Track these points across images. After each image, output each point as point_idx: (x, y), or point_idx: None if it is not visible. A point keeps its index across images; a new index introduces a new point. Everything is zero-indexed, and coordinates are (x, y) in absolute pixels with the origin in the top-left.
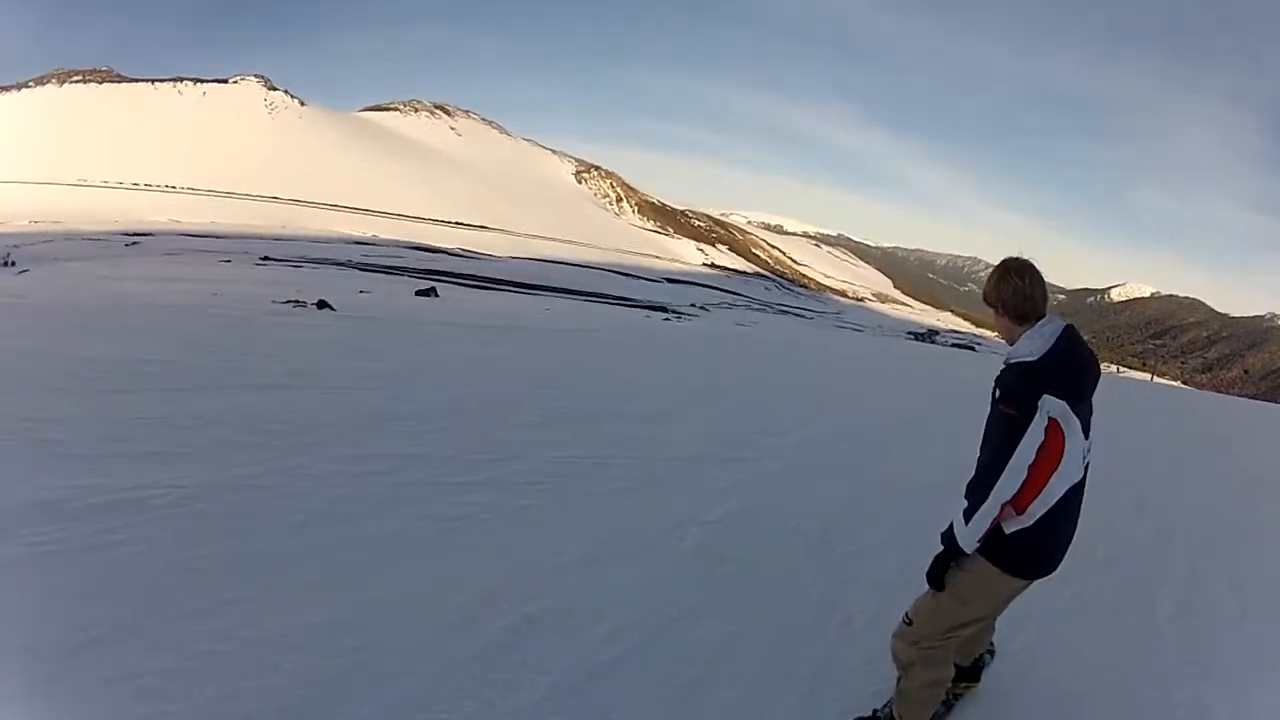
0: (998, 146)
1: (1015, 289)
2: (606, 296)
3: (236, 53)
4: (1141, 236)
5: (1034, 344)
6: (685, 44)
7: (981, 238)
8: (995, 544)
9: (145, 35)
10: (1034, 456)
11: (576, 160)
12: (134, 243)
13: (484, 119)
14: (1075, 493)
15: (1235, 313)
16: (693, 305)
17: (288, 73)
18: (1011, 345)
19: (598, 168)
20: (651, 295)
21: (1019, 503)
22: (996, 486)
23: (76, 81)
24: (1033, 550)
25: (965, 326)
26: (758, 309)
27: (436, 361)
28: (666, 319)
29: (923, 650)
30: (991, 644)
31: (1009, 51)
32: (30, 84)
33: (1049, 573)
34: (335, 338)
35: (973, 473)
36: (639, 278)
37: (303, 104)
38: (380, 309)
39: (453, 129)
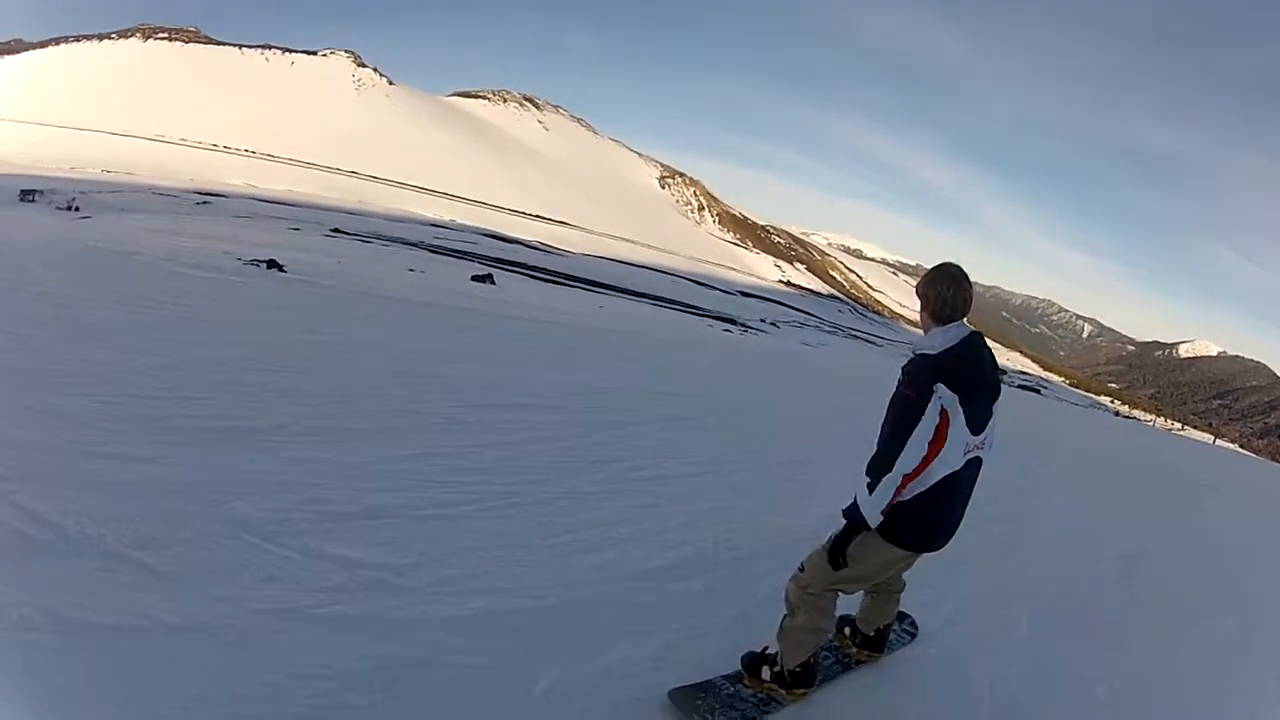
0: (1077, 192)
1: (939, 294)
2: (676, 303)
3: (328, 27)
4: (1211, 293)
5: (937, 340)
6: (778, 64)
7: (1057, 281)
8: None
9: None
10: (932, 434)
11: (661, 165)
12: (205, 202)
13: (572, 115)
14: (955, 481)
15: None
16: (762, 320)
17: (378, 51)
18: (920, 338)
19: (682, 174)
20: (723, 307)
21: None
22: (899, 459)
23: (162, 38)
24: (908, 522)
25: (1033, 369)
26: (828, 330)
27: (289, 336)
28: (726, 330)
29: (807, 596)
30: (913, 622)
31: (1094, 101)
32: (114, 36)
33: (927, 548)
34: (213, 292)
35: (873, 451)
36: (713, 288)
37: (391, 83)
38: (346, 278)
39: (540, 122)
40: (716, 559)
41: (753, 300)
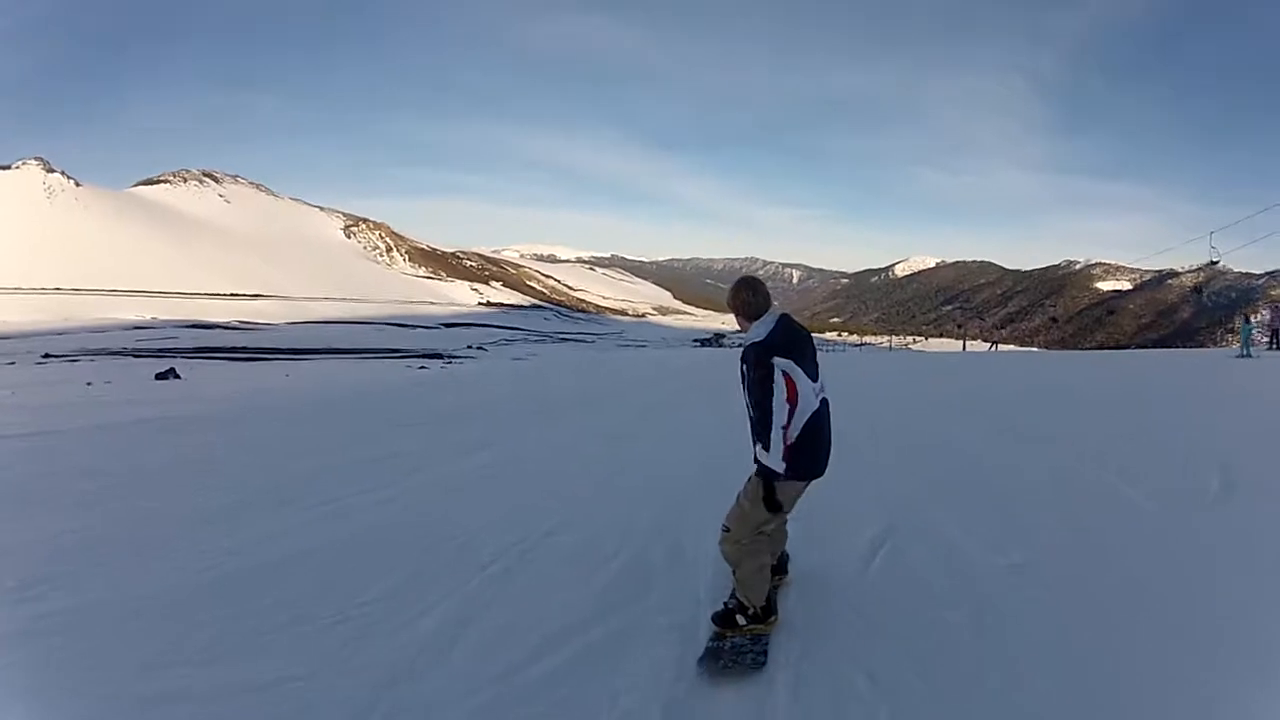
0: (761, 151)
1: (745, 300)
2: (381, 351)
3: (18, 137)
4: (922, 214)
5: (761, 330)
6: (440, 89)
7: (755, 238)
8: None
9: None
10: (785, 393)
11: (344, 215)
12: None
13: (250, 182)
14: (819, 418)
15: (1028, 267)
16: (469, 347)
17: (67, 153)
18: (747, 333)
19: (365, 220)
20: (428, 342)
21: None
22: (774, 419)
23: None
24: (800, 459)
25: None
26: (536, 340)
27: None
28: (423, 368)
29: (743, 546)
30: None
31: (763, 63)
32: None
33: (816, 474)
34: None
35: (750, 422)
36: (416, 326)
37: (78, 184)
38: None
39: (220, 195)
40: None
41: (457, 329)
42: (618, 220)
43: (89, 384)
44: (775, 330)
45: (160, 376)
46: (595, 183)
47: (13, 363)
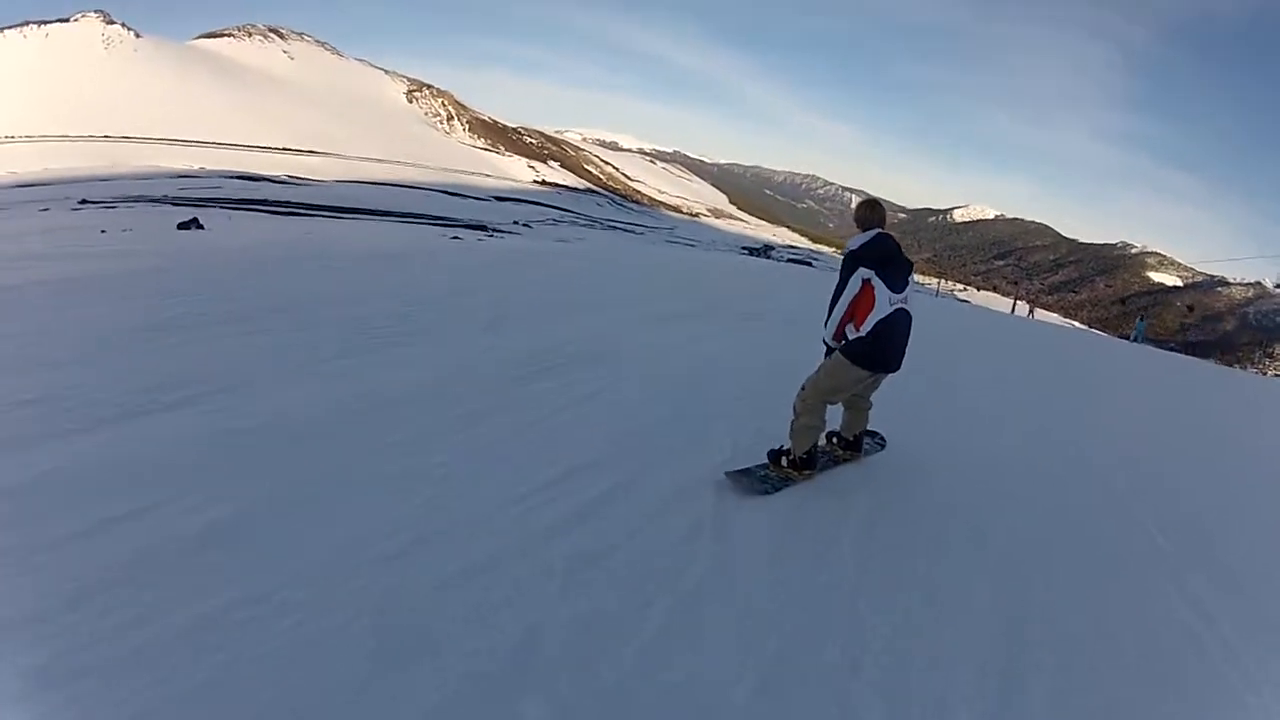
0: (841, 66)
1: (862, 215)
2: (424, 217)
3: None
4: (987, 162)
5: (857, 242)
6: None
7: (820, 155)
8: (847, 346)
9: None
10: (853, 299)
11: (408, 79)
12: None
13: (317, 40)
14: (891, 322)
15: (1084, 239)
16: (515, 222)
17: (127, 4)
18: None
19: (430, 86)
20: (476, 214)
21: (857, 324)
22: (834, 311)
23: None
24: (866, 351)
25: (802, 242)
26: (584, 225)
27: None
28: (456, 238)
29: (807, 404)
30: (882, 438)
31: None
32: None
33: (882, 370)
34: None
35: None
36: (466, 196)
37: (138, 36)
38: None
39: (285, 52)
40: None
41: (507, 204)
42: (685, 115)
43: (103, 231)
44: (868, 244)
45: (182, 226)
46: (668, 74)
47: (46, 209)
